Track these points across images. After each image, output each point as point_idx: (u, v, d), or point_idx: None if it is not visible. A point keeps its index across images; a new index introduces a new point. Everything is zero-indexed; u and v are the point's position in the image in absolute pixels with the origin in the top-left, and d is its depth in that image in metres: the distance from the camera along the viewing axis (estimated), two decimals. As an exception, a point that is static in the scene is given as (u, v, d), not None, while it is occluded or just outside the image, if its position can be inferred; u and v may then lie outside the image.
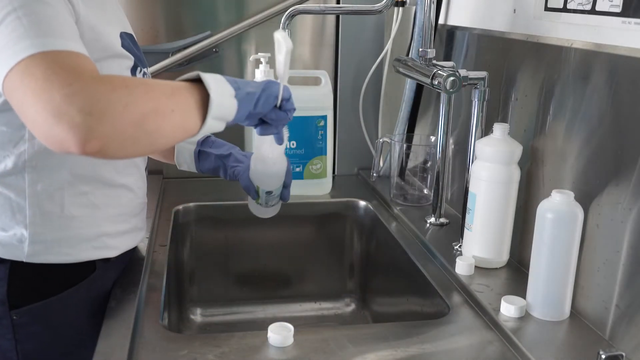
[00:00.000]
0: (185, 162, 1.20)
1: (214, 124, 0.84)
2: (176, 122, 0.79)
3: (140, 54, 1.04)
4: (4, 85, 0.74)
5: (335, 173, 1.77)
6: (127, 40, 0.99)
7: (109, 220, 1.01)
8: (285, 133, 1.03)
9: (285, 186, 1.11)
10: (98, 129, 0.69)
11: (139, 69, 1.00)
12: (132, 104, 0.73)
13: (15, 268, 0.95)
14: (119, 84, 0.74)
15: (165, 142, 0.82)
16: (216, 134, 1.02)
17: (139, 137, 0.75)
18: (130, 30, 1.04)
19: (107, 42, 0.91)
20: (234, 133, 1.74)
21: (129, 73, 0.96)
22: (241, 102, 0.87)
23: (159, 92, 0.78)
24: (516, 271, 1.14)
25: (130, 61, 0.97)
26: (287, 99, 0.94)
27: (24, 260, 0.94)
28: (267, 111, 0.92)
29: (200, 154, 1.19)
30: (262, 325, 0.95)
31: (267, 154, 1.05)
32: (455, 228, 1.31)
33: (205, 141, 1.19)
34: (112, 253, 1.03)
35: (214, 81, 0.83)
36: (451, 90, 1.11)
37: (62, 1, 0.81)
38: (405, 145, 1.58)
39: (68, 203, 0.95)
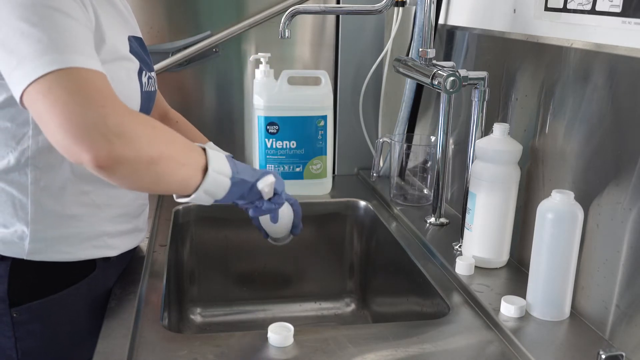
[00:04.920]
0: None
1: (203, 196, 0.92)
2: (183, 176, 0.87)
3: (148, 58, 1.06)
4: (24, 96, 0.76)
5: (335, 173, 1.77)
6: (135, 44, 1.00)
7: (110, 220, 1.01)
8: (287, 211, 1.16)
9: (295, 227, 1.21)
10: (119, 150, 0.75)
11: (144, 72, 1.00)
12: (155, 143, 0.81)
13: (16, 266, 0.95)
14: (146, 121, 0.83)
15: (165, 189, 0.89)
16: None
17: (148, 175, 0.81)
18: (139, 34, 1.06)
19: (114, 44, 0.91)
20: (234, 132, 1.75)
21: (134, 76, 0.97)
22: (233, 186, 0.95)
23: (180, 144, 0.87)
24: (516, 271, 1.14)
25: (135, 64, 0.98)
26: (279, 193, 1.05)
27: (25, 258, 0.95)
28: (256, 200, 1.03)
29: None
30: (262, 325, 0.95)
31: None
32: (455, 228, 1.31)
33: None
34: (113, 253, 1.03)
35: (215, 159, 0.92)
36: (451, 90, 1.11)
37: (81, 11, 0.82)
38: (405, 145, 1.58)
39: (70, 201, 0.95)
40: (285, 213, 1.16)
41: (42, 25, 0.76)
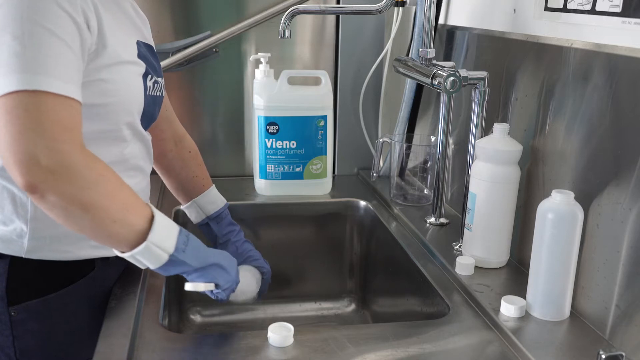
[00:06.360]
0: (191, 215, 1.28)
1: (134, 260, 0.89)
2: (112, 232, 0.84)
3: (157, 63, 1.06)
4: None
5: (335, 173, 1.77)
6: (143, 49, 1.01)
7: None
8: (248, 283, 1.16)
9: (260, 292, 1.23)
10: (50, 186, 0.76)
11: (150, 76, 1.01)
12: (92, 190, 0.79)
13: (15, 264, 0.95)
14: (95, 166, 0.81)
15: (91, 237, 0.86)
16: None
17: (77, 219, 0.80)
18: (148, 41, 1.06)
19: (116, 50, 0.91)
20: (234, 132, 1.75)
21: (139, 78, 0.97)
22: (170, 264, 0.90)
23: (122, 200, 0.84)
24: (516, 271, 1.14)
25: (141, 68, 0.98)
26: (222, 290, 0.99)
27: (24, 256, 0.95)
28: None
29: (205, 224, 1.28)
30: (262, 325, 0.95)
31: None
32: (455, 228, 1.31)
33: (218, 217, 1.28)
34: (111, 252, 1.03)
35: (160, 229, 0.87)
36: (451, 90, 1.11)
37: (72, 29, 0.82)
38: (405, 145, 1.58)
39: None
40: (246, 286, 1.16)
41: (26, 42, 0.77)
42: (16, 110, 0.76)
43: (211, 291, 0.99)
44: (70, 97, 0.79)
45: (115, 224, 0.83)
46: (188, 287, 0.95)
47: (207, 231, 1.28)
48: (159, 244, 0.87)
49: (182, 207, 1.30)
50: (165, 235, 0.89)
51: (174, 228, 0.91)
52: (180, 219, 1.47)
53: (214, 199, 1.27)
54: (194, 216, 1.28)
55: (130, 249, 0.86)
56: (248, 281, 1.17)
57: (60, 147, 0.76)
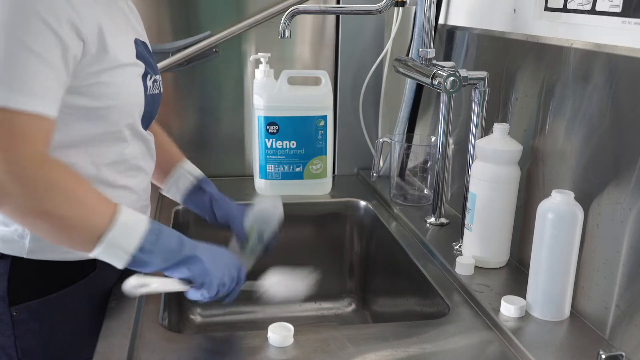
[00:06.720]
0: (178, 189, 1.23)
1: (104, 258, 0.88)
2: (71, 237, 0.85)
3: (153, 60, 1.06)
4: None
5: (335, 173, 1.77)
6: (141, 47, 1.01)
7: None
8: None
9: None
10: (5, 197, 0.79)
11: (149, 76, 1.01)
12: (47, 201, 0.81)
13: (16, 264, 0.95)
14: (53, 176, 0.82)
15: (54, 242, 0.89)
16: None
17: (33, 225, 0.84)
18: (143, 38, 1.06)
19: (116, 54, 0.92)
20: (234, 133, 1.75)
21: (139, 80, 0.97)
22: (134, 263, 0.88)
23: (80, 205, 0.84)
24: (516, 271, 1.14)
25: (140, 69, 0.98)
26: (199, 285, 0.94)
27: (25, 257, 0.95)
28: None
29: (196, 189, 1.23)
30: (262, 325, 0.95)
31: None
32: (455, 228, 1.31)
33: (205, 180, 1.25)
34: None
35: (117, 233, 0.86)
36: (451, 90, 1.11)
37: (52, 43, 0.82)
38: (405, 145, 1.58)
39: None
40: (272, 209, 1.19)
41: (5, 58, 0.79)
42: None
43: (188, 292, 0.95)
44: (39, 115, 0.81)
45: (75, 229, 0.84)
46: (125, 286, 0.92)
47: (197, 200, 1.23)
48: (119, 244, 0.86)
49: (165, 183, 1.23)
50: (126, 235, 0.87)
51: (141, 226, 0.88)
52: (180, 218, 1.47)
53: (194, 167, 1.25)
54: (181, 185, 1.22)
55: (91, 250, 0.86)
56: (272, 203, 1.17)
57: (15, 160, 0.79)
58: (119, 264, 0.88)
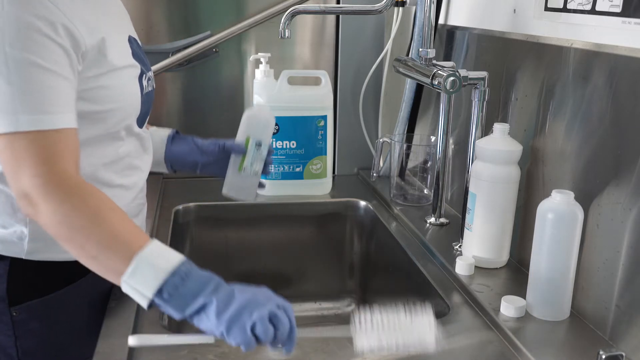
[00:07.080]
0: (156, 147, 1.17)
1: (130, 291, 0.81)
2: (91, 265, 0.83)
3: (144, 57, 1.06)
4: None
5: (335, 173, 1.77)
6: (134, 45, 1.01)
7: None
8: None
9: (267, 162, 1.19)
10: (42, 213, 0.81)
11: (144, 75, 1.01)
12: (68, 224, 0.81)
13: (15, 265, 0.95)
14: (79, 199, 0.82)
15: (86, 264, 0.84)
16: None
17: (68, 245, 0.82)
18: (133, 34, 1.06)
19: (113, 58, 0.92)
20: (234, 132, 1.75)
21: (135, 82, 0.98)
22: (164, 304, 0.79)
23: (105, 236, 0.81)
24: (516, 271, 1.14)
25: (136, 70, 0.99)
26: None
27: (24, 258, 0.95)
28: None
29: (174, 138, 1.20)
30: (262, 325, 0.95)
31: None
32: (455, 228, 1.31)
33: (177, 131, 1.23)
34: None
35: (141, 274, 0.78)
36: (451, 90, 1.11)
37: (61, 55, 0.82)
38: (405, 145, 1.58)
39: None
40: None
41: (17, 82, 0.79)
42: (16, 149, 0.80)
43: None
44: (66, 128, 0.82)
45: (95, 260, 0.81)
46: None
47: (181, 144, 1.20)
48: (136, 288, 0.79)
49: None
50: (143, 280, 0.79)
51: (162, 271, 0.78)
52: (180, 218, 1.47)
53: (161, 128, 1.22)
54: (157, 139, 1.18)
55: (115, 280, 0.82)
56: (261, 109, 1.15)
57: (49, 180, 0.80)
58: (143, 304, 0.81)
